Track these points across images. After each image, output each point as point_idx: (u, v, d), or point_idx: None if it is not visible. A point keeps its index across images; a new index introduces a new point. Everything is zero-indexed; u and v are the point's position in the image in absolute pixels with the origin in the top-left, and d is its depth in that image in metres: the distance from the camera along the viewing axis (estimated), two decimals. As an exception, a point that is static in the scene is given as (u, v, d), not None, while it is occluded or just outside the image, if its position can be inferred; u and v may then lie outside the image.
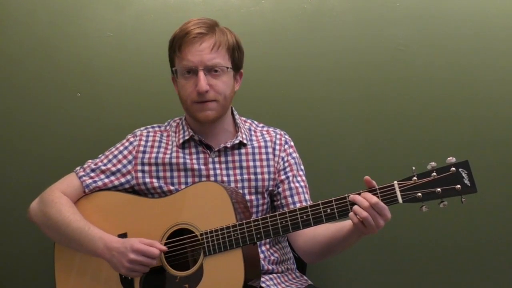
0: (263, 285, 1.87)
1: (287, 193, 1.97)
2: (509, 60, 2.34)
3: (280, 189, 1.97)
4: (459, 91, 2.33)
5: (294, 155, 2.03)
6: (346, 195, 1.61)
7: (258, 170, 1.95)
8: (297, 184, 1.98)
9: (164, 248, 1.75)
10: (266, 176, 1.96)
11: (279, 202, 1.98)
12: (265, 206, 1.97)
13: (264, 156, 1.97)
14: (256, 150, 1.97)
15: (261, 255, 1.92)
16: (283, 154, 2.00)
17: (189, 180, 1.92)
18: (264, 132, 2.04)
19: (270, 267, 1.93)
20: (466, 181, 1.52)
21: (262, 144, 1.99)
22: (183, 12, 2.36)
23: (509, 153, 2.33)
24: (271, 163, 1.97)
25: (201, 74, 1.85)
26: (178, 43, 1.89)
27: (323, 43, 2.35)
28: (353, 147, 2.34)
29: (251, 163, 1.95)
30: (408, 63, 2.34)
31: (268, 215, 1.70)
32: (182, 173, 1.92)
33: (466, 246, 2.32)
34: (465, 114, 2.33)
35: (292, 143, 2.06)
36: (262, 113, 2.31)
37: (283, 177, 1.98)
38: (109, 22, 2.38)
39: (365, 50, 2.34)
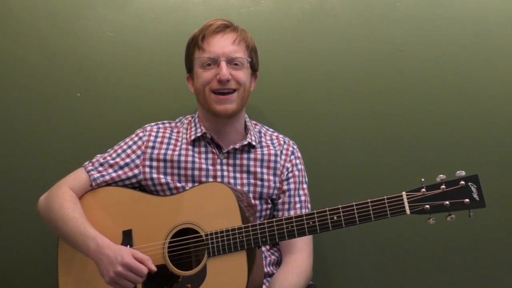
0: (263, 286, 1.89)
1: (286, 206, 1.99)
2: (510, 59, 2.34)
3: (280, 200, 1.99)
4: (460, 91, 2.33)
5: (300, 167, 2.04)
6: (354, 203, 1.62)
7: (265, 177, 1.96)
8: (297, 199, 1.99)
9: (154, 268, 1.73)
10: (272, 184, 1.97)
11: (275, 212, 1.99)
12: (268, 212, 1.99)
13: (272, 165, 1.98)
14: (266, 158, 1.98)
15: (261, 256, 1.94)
16: (288, 165, 2.01)
17: (196, 179, 1.93)
18: (274, 137, 2.05)
19: (269, 270, 1.94)
20: (475, 196, 1.52)
21: (272, 151, 2.00)
22: (183, 12, 2.36)
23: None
24: (278, 172, 1.98)
25: (223, 63, 1.87)
26: (200, 35, 1.91)
27: (323, 43, 2.35)
28: (352, 147, 2.34)
29: (258, 169, 1.96)
30: (408, 63, 2.33)
31: (274, 219, 1.70)
32: (190, 172, 1.93)
33: (467, 248, 2.33)
34: (465, 114, 2.32)
35: (299, 155, 2.06)
36: (262, 112, 2.32)
37: (285, 187, 1.99)
38: (109, 22, 2.36)
39: (365, 50, 2.34)
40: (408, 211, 1.57)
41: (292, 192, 1.99)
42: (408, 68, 2.34)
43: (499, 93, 2.33)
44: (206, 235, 1.74)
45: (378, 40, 2.35)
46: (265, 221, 1.71)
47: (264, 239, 1.69)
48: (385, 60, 2.34)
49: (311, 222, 1.66)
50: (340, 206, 1.63)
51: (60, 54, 2.37)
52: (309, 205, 2.03)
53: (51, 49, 2.37)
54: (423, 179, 1.57)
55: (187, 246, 1.78)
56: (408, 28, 2.34)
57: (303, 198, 2.00)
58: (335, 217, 1.63)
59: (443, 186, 1.54)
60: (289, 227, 1.68)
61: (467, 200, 1.52)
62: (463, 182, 1.53)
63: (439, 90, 2.34)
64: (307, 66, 2.35)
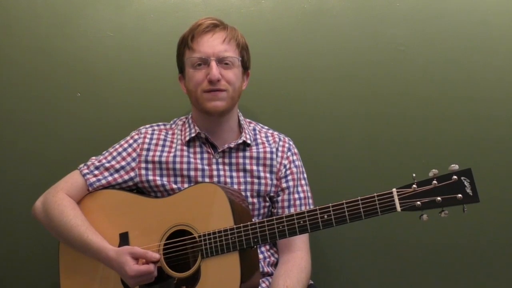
0: (263, 284, 1.88)
1: (285, 204, 1.97)
2: (510, 60, 2.32)
3: (279, 198, 1.98)
4: (460, 91, 2.32)
5: (297, 163, 2.03)
6: (344, 201, 1.60)
7: (262, 174, 1.95)
8: (296, 196, 1.98)
9: (157, 257, 1.74)
10: (269, 181, 1.96)
11: (275, 211, 1.98)
12: (266, 210, 1.98)
13: (268, 162, 1.97)
14: (261, 155, 1.97)
15: (261, 256, 1.94)
16: (285, 162, 2.00)
17: (193, 179, 1.92)
18: (269, 135, 2.04)
19: (269, 270, 1.93)
20: (468, 190, 1.48)
21: (268, 149, 1.99)
22: (183, 12, 2.36)
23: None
24: (274, 169, 1.97)
25: (213, 63, 1.86)
26: (190, 35, 1.91)
27: (323, 43, 2.34)
28: (352, 148, 2.34)
29: (254, 167, 1.95)
30: (408, 63, 2.32)
31: (265, 219, 1.69)
32: (185, 172, 1.93)
33: (467, 248, 2.32)
34: (465, 114, 2.32)
35: (296, 151, 2.05)
36: (261, 112, 2.32)
37: (284, 185, 1.98)
38: (109, 22, 2.37)
39: (365, 50, 2.33)
40: (398, 208, 1.54)
41: (291, 189, 1.98)
42: (408, 68, 2.33)
43: (498, 92, 2.32)
44: (199, 236, 1.73)
45: (378, 40, 2.34)
46: (257, 221, 1.70)
47: (255, 240, 1.68)
48: (385, 60, 2.33)
49: (301, 222, 1.64)
50: (330, 204, 1.61)
51: (60, 54, 2.37)
52: (310, 201, 2.02)
53: (51, 49, 2.37)
54: (414, 175, 1.54)
55: (182, 248, 1.78)
56: (408, 28, 2.33)
57: (302, 194, 1.99)
58: (325, 216, 1.61)
59: (435, 182, 1.50)
60: (280, 227, 1.67)
61: (460, 195, 1.48)
62: (455, 177, 1.49)
63: (439, 89, 2.33)
64: (307, 66, 2.35)
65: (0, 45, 2.37)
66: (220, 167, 1.94)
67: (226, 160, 1.95)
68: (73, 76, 2.37)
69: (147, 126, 2.04)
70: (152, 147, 1.97)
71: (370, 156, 2.33)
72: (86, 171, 1.94)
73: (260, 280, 1.86)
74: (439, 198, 1.50)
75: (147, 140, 1.98)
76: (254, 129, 2.05)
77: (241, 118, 2.03)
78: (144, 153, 1.96)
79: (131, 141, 1.99)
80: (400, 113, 2.33)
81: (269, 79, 2.33)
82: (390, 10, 2.33)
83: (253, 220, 1.86)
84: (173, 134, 2.01)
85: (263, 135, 2.04)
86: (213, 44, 1.88)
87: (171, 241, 1.78)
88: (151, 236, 1.80)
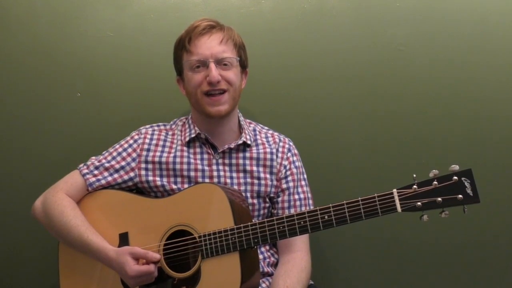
0: (263, 285, 1.88)
1: (286, 204, 1.97)
2: (510, 60, 2.32)
3: (279, 199, 1.97)
4: (460, 91, 2.32)
5: (297, 164, 2.03)
6: (345, 202, 1.60)
7: (262, 175, 1.95)
8: (296, 196, 1.98)
9: (158, 257, 1.74)
10: (269, 182, 1.96)
11: (275, 211, 1.98)
12: (266, 210, 1.98)
13: (268, 163, 1.97)
14: (261, 156, 1.97)
15: (261, 256, 1.94)
16: (285, 162, 2.00)
17: (193, 180, 1.92)
18: (269, 135, 2.04)
19: (269, 270, 1.93)
20: (469, 191, 1.48)
21: (268, 150, 1.99)
22: (183, 12, 2.36)
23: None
24: (275, 170, 1.97)
25: (212, 65, 1.86)
26: (187, 38, 1.90)
27: (323, 43, 2.34)
28: (352, 148, 2.33)
29: (254, 168, 1.95)
30: (408, 63, 2.32)
31: (266, 220, 1.69)
32: (185, 173, 1.92)
33: (467, 248, 2.32)
34: (465, 114, 2.32)
35: (296, 151, 2.05)
36: (261, 112, 2.32)
37: (284, 186, 1.98)
38: (109, 22, 2.37)
39: (365, 50, 2.33)
40: (399, 209, 1.54)
41: (291, 190, 1.98)
42: (408, 68, 2.33)
43: (498, 92, 2.32)
44: (200, 236, 1.73)
45: (378, 40, 2.34)
46: (257, 221, 1.70)
47: (256, 240, 1.68)
48: (385, 60, 2.33)
49: (302, 222, 1.64)
50: (330, 205, 1.61)
51: (60, 54, 2.37)
52: (310, 202, 2.02)
53: (51, 49, 2.37)
54: (414, 175, 1.54)
55: (182, 248, 1.78)
56: (408, 28, 2.33)
57: (302, 195, 1.99)
58: (326, 217, 1.61)
59: (435, 182, 1.50)
60: (280, 227, 1.67)
61: (460, 196, 1.48)
62: (456, 177, 1.49)
63: (439, 89, 2.33)
64: (307, 66, 2.34)
65: (0, 45, 2.37)
66: (220, 167, 1.94)
67: (226, 161, 1.95)
68: (73, 76, 2.37)
69: (147, 126, 2.04)
70: (152, 147, 1.96)
71: (371, 156, 2.33)
72: (86, 171, 1.94)
73: (260, 280, 1.86)
74: (439, 199, 1.50)
75: (147, 141, 1.98)
76: (254, 130, 2.04)
77: (241, 118, 2.03)
78: (144, 153, 1.96)
79: (131, 141, 1.99)
80: (400, 113, 2.33)
81: (269, 79, 2.33)
82: (390, 10, 2.34)
83: (253, 220, 1.86)
84: (173, 134, 2.01)
85: (263, 135, 2.03)
86: (210, 46, 1.88)
87: (171, 241, 1.78)
88: (151, 236, 1.80)
